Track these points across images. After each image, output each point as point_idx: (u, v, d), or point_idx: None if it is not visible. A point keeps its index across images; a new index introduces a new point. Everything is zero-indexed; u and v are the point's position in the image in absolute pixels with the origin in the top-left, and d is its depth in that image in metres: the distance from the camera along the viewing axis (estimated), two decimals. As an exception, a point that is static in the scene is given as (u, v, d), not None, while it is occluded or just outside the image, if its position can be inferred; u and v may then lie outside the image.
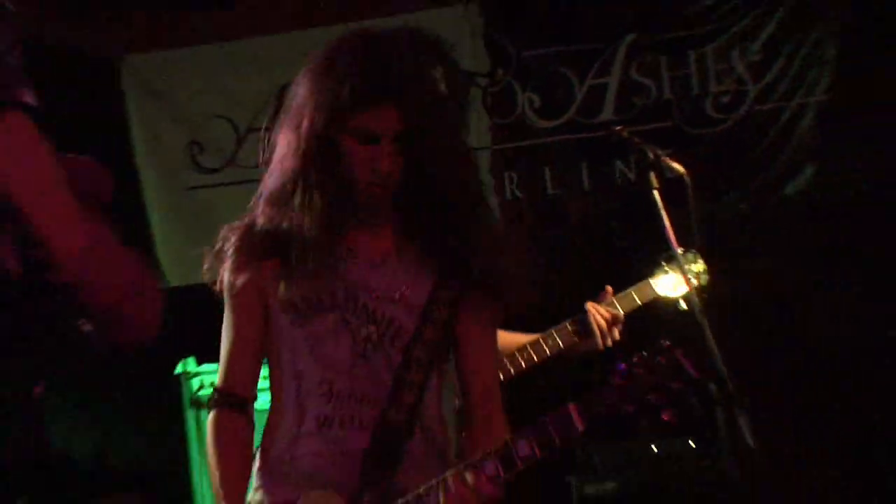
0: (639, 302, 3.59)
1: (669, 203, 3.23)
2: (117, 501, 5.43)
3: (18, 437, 1.98)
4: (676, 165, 3.27)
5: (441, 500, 2.44)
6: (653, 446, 4.50)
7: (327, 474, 2.53)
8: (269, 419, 2.63)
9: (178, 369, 4.87)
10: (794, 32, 4.97)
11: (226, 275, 2.52)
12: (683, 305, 3.39)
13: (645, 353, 2.48)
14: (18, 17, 1.96)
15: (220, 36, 5.40)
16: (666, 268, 3.56)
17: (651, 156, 3.29)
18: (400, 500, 2.49)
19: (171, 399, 4.93)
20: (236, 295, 2.56)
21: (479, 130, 4.98)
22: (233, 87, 5.43)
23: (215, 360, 4.38)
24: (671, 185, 3.33)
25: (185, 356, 4.83)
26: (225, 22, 5.39)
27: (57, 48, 5.02)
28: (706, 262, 3.62)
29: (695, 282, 3.53)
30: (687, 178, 3.22)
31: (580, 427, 2.39)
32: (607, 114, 5.05)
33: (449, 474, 2.42)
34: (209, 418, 2.75)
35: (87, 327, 2.03)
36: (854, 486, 4.88)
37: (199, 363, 4.86)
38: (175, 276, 5.15)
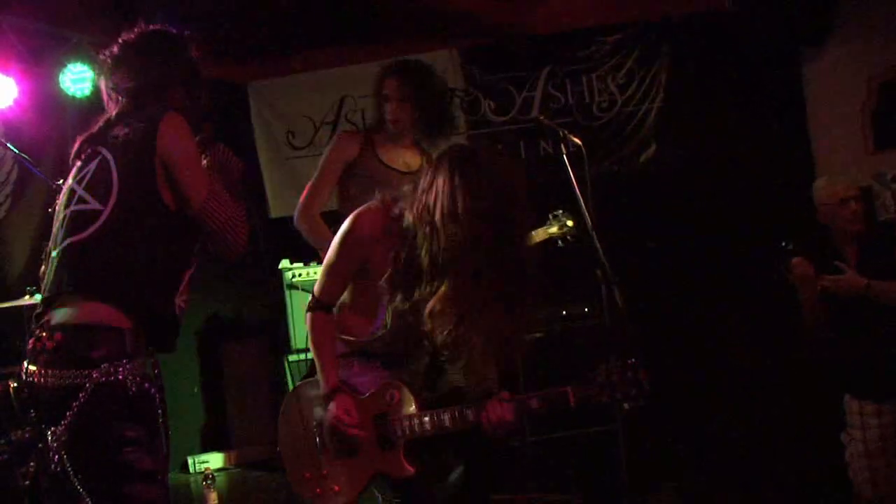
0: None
1: (572, 165, 4.00)
2: (247, 344, 7.19)
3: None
4: (576, 140, 3.98)
5: (480, 415, 3.10)
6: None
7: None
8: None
9: (280, 265, 6.30)
10: (642, 66, 6.84)
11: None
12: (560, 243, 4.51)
13: (620, 365, 3.08)
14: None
15: (305, 69, 7.16)
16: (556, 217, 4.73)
17: (561, 134, 3.99)
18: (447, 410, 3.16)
19: (277, 282, 6.32)
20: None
21: (458, 125, 6.18)
22: (312, 99, 7.15)
23: (299, 261, 6.33)
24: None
25: (283, 258, 6.28)
26: (307, 60, 7.14)
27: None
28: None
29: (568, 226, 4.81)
30: (582, 148, 3.97)
31: (573, 403, 3.07)
32: (535, 113, 6.87)
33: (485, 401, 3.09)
34: (309, 316, 3.37)
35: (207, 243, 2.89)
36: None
37: (291, 262, 6.31)
38: (277, 211, 6.95)
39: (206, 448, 7.27)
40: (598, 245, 3.72)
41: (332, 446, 3.30)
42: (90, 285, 2.71)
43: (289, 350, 6.40)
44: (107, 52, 3.02)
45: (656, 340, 5.43)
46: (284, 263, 6.32)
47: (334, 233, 3.38)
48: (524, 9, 6.77)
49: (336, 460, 3.32)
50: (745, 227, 6.40)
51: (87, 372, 2.61)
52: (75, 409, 2.60)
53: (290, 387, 6.14)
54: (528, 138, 6.99)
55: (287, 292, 6.34)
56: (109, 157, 2.81)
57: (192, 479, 6.85)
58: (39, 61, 6.01)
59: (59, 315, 2.70)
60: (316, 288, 3.37)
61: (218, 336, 7.28)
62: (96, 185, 2.79)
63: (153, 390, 2.71)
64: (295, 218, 4.55)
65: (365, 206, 3.30)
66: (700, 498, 5.25)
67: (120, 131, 2.84)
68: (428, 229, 3.00)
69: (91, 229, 2.73)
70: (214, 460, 7.04)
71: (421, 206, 3.05)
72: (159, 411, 2.75)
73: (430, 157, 4.35)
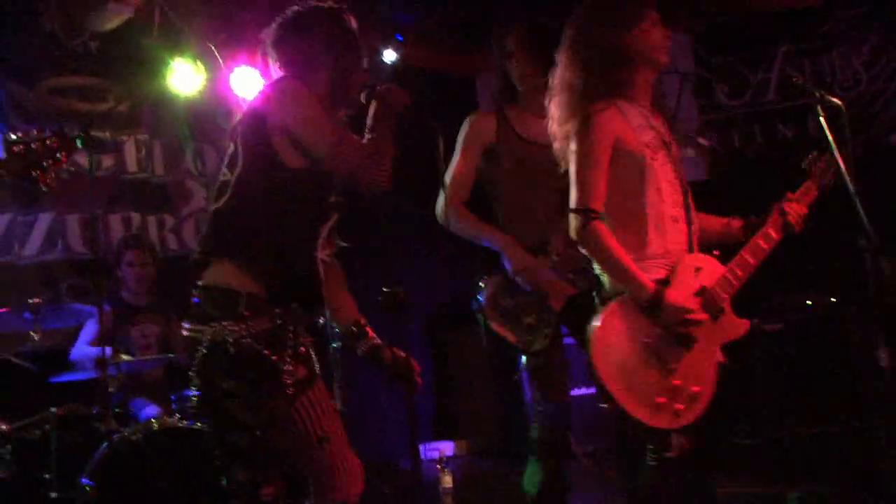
0: None
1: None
2: (475, 332, 7.41)
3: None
4: (835, 100, 3.64)
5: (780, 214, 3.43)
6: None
7: None
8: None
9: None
10: (889, 41, 6.53)
11: None
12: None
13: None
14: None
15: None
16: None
17: (817, 94, 3.66)
18: None
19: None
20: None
21: (689, 110, 6.60)
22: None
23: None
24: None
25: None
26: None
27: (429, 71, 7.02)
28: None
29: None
30: (843, 108, 3.60)
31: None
32: (771, 95, 6.74)
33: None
34: (588, 230, 3.22)
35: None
36: None
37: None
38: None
39: (437, 436, 7.39)
40: (861, 210, 3.47)
41: (674, 346, 3.22)
42: (222, 249, 2.99)
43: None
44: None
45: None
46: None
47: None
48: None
49: (683, 360, 3.23)
50: None
51: (203, 328, 2.92)
52: (196, 360, 2.94)
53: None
54: (764, 122, 6.81)
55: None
56: (239, 131, 3.03)
57: (423, 465, 6.96)
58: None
59: (202, 276, 3.00)
60: (580, 201, 3.22)
61: (446, 324, 7.43)
62: (230, 158, 3.05)
63: (266, 351, 2.91)
64: (438, 212, 4.16)
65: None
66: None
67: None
68: None
69: (224, 198, 3.00)
70: (445, 448, 7.13)
71: None
72: (275, 371, 2.94)
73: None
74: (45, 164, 2.98)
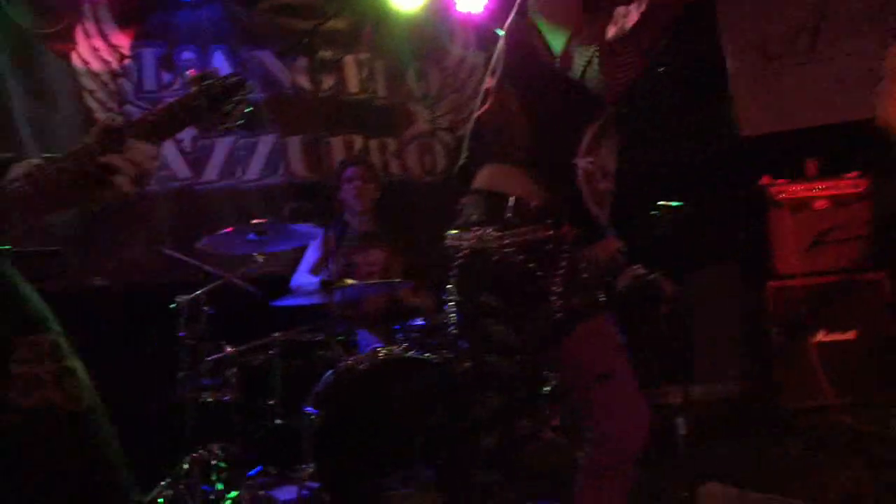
0: None
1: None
2: (718, 269, 6.71)
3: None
4: None
5: None
6: None
7: None
8: None
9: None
10: None
11: None
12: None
13: None
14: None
15: None
16: None
17: None
18: None
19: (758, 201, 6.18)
20: None
21: None
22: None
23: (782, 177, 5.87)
24: None
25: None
26: None
27: None
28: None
29: None
30: None
31: None
32: None
33: None
34: None
35: None
36: None
37: (774, 179, 5.99)
38: (749, 129, 6.45)
39: (668, 380, 6.98)
40: None
41: None
42: (486, 154, 2.73)
43: (772, 276, 6.04)
44: None
45: None
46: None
47: None
48: None
49: None
50: None
51: (464, 234, 2.66)
52: (453, 271, 2.68)
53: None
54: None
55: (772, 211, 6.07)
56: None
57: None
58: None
59: (473, 181, 2.75)
60: None
61: (685, 260, 7.00)
62: (493, 64, 2.81)
63: (531, 265, 2.56)
64: None
65: None
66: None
67: None
68: None
69: (486, 104, 2.75)
70: (676, 393, 6.74)
71: None
72: (540, 289, 2.59)
73: None
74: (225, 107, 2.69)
